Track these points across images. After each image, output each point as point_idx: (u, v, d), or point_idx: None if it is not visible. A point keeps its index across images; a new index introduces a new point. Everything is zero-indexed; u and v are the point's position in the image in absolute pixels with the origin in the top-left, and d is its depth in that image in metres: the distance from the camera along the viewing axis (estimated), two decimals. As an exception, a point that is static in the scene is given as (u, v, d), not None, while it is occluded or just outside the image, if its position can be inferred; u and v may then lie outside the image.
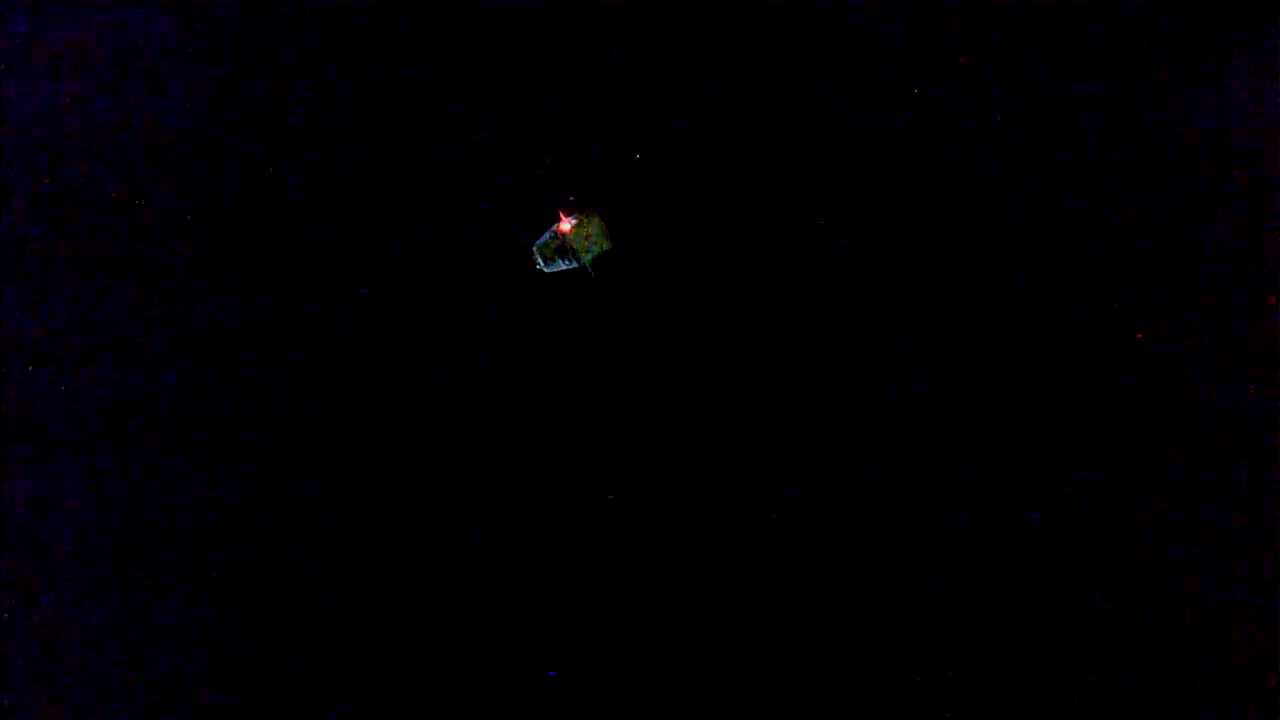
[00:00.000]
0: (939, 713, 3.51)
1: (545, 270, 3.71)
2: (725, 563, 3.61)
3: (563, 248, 3.67)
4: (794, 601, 3.58)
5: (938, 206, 3.71)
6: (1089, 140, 3.72)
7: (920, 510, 3.60)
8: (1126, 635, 3.51)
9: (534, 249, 3.71)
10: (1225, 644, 3.50)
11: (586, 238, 3.68)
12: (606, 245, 3.70)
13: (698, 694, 3.56)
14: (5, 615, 3.61)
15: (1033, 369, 3.63)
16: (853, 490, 3.62)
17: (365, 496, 3.67)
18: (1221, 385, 3.60)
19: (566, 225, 3.68)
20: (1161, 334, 3.62)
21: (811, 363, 3.68)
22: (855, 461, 3.63)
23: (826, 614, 3.57)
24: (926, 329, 3.67)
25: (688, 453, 3.67)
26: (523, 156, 3.77)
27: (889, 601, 3.57)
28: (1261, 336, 3.61)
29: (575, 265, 3.69)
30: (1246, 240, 3.64)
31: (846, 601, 3.57)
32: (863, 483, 3.62)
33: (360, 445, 3.69)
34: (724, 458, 3.66)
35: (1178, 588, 3.53)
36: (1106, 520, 3.57)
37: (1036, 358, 3.64)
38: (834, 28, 3.77)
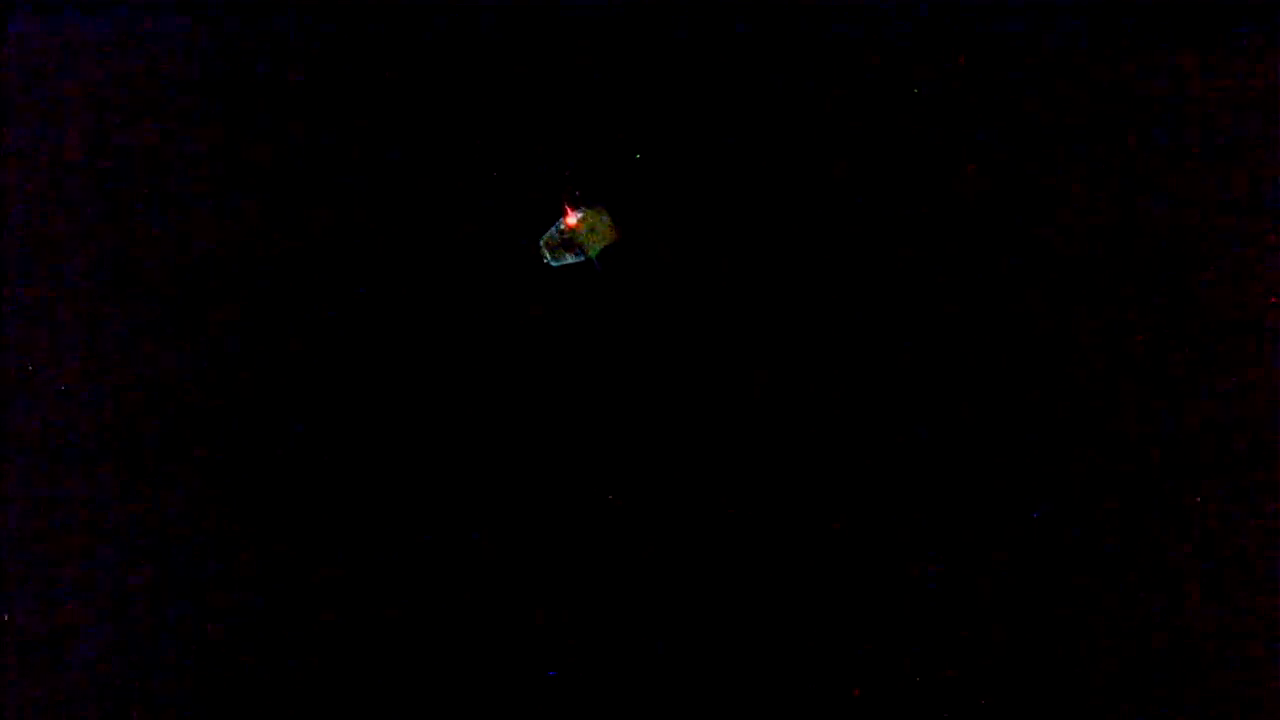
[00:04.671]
0: (938, 713, 3.52)
1: (552, 265, 3.68)
2: (727, 563, 3.62)
3: (569, 242, 3.66)
4: (795, 602, 3.59)
5: (938, 204, 3.70)
6: (1088, 140, 3.71)
7: (921, 511, 3.60)
8: (1126, 636, 3.53)
9: (540, 244, 3.68)
10: (1225, 646, 3.52)
11: (593, 231, 3.66)
12: (614, 237, 3.69)
13: (698, 694, 3.56)
14: (5, 615, 3.61)
15: (1032, 369, 3.63)
16: (855, 490, 3.62)
17: (366, 495, 3.66)
18: (1222, 385, 3.61)
19: (572, 219, 3.66)
20: (1161, 334, 3.63)
21: (817, 358, 3.67)
22: (858, 461, 3.63)
23: (827, 614, 3.58)
24: (928, 328, 3.67)
25: (690, 451, 3.66)
26: (525, 152, 3.74)
27: (889, 602, 3.58)
28: (1262, 337, 3.62)
29: (582, 259, 3.67)
30: (1246, 240, 3.65)
31: (847, 602, 3.58)
32: (865, 482, 3.62)
33: (362, 444, 3.67)
34: (727, 456, 3.65)
35: (1178, 589, 3.54)
36: (1107, 521, 3.58)
37: (1036, 358, 3.64)
38: (835, 26, 3.75)
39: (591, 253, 3.68)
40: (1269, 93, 3.67)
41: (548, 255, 3.68)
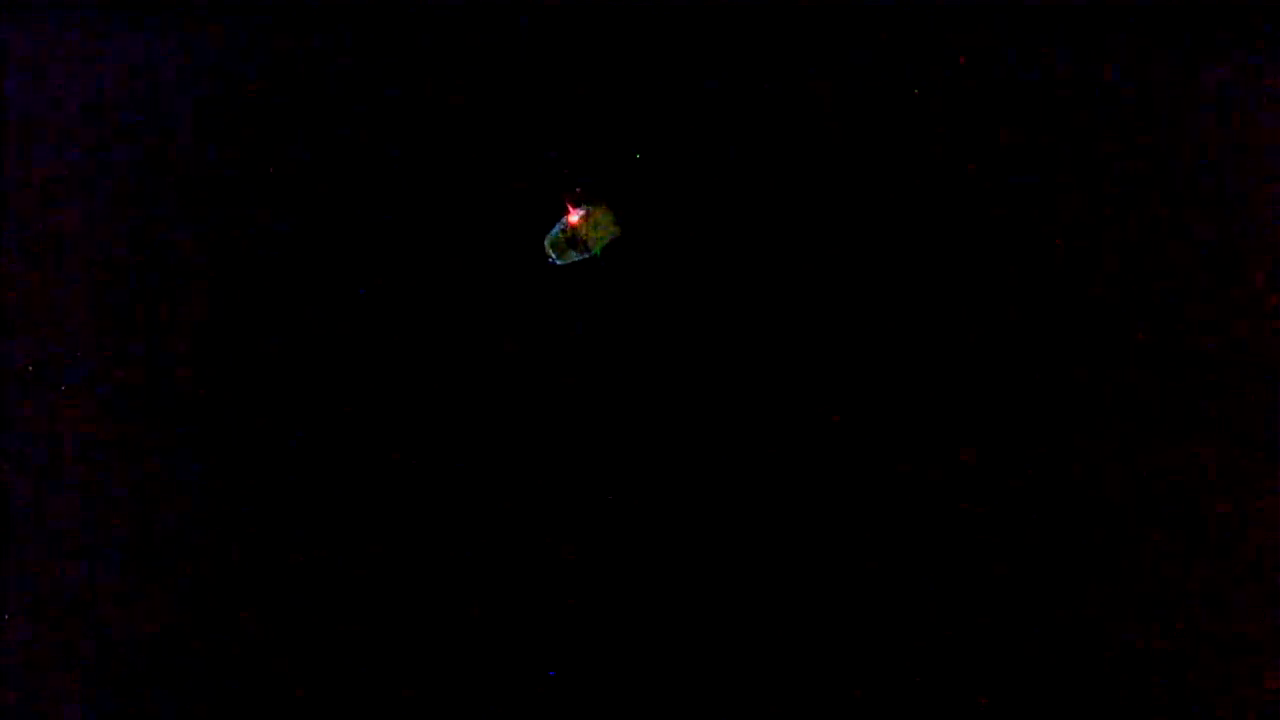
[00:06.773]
0: (938, 713, 3.52)
1: (557, 263, 3.67)
2: (726, 563, 3.62)
3: (573, 239, 3.66)
4: (795, 602, 3.59)
5: (938, 202, 3.70)
6: (1088, 140, 3.71)
7: (921, 511, 3.61)
8: (1126, 637, 3.54)
9: (545, 243, 3.67)
10: (1226, 646, 3.53)
11: (596, 227, 3.66)
12: (617, 232, 3.68)
13: (698, 694, 3.56)
14: (5, 615, 3.61)
15: (1031, 369, 3.64)
16: (856, 489, 3.62)
17: (367, 495, 3.66)
18: (1222, 385, 3.62)
19: (575, 217, 3.66)
20: (1161, 334, 3.63)
21: (818, 354, 3.67)
22: (859, 459, 3.63)
23: (827, 614, 3.58)
24: (928, 325, 3.67)
25: (691, 449, 3.66)
26: (527, 152, 3.73)
27: (889, 602, 3.58)
28: (1261, 336, 3.62)
29: (587, 256, 3.67)
30: (1246, 240, 3.65)
31: (847, 602, 3.58)
32: (866, 481, 3.62)
33: (364, 444, 3.67)
34: (729, 454, 3.65)
35: (1178, 590, 3.55)
36: (1106, 521, 3.58)
37: (1036, 358, 3.64)
38: (835, 26, 3.75)
39: (595, 249, 3.68)
40: (1269, 92, 3.68)
41: (552, 254, 3.68)
